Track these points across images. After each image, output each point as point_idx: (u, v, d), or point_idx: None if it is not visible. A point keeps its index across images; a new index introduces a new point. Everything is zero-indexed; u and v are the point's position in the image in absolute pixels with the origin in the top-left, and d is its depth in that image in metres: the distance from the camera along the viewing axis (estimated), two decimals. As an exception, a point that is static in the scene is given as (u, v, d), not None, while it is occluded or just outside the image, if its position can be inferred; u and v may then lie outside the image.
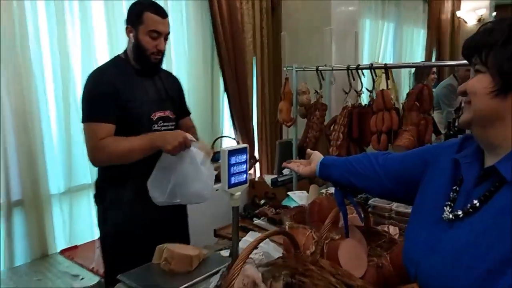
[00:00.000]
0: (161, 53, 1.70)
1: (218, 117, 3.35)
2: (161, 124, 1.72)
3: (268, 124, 3.57)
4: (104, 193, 1.71)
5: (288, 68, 2.72)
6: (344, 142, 2.41)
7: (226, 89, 3.25)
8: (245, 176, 1.32)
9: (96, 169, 1.75)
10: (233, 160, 1.27)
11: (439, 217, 0.81)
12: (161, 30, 1.65)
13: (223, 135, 3.29)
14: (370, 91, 2.40)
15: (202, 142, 1.67)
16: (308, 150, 1.25)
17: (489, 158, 0.78)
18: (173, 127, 1.78)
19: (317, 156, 1.20)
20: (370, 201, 1.84)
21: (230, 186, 1.28)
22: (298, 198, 2.22)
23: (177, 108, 1.85)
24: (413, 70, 4.71)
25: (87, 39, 2.39)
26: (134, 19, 1.64)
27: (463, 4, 6.51)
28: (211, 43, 3.19)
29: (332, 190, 2.39)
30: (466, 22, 6.50)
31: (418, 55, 6.09)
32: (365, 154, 1.12)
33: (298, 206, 1.95)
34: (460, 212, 0.76)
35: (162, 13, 1.66)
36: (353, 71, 2.38)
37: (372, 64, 2.32)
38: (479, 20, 6.38)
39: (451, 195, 0.82)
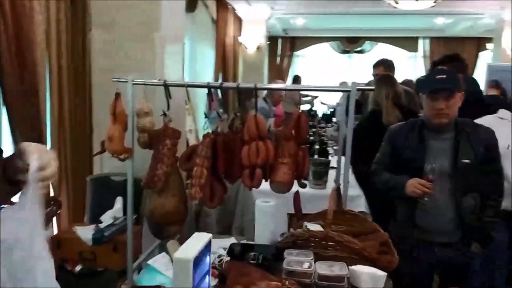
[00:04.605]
0: None
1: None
2: None
3: (69, 155, 2.62)
4: None
5: (121, 80, 1.97)
6: (208, 179, 1.90)
7: (5, 101, 2.19)
8: (207, 281, 0.69)
9: None
10: (199, 270, 0.62)
11: None
12: None
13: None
14: (236, 114, 1.98)
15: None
16: None
17: None
18: None
19: None
20: (284, 265, 1.39)
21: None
22: (163, 267, 1.54)
23: None
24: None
25: None
26: None
27: (243, 31, 6.98)
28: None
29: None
30: (247, 48, 7.00)
31: (209, 74, 6.09)
32: None
33: None
34: None
35: None
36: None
37: (239, 85, 1.92)
38: (258, 48, 6.97)
39: None
